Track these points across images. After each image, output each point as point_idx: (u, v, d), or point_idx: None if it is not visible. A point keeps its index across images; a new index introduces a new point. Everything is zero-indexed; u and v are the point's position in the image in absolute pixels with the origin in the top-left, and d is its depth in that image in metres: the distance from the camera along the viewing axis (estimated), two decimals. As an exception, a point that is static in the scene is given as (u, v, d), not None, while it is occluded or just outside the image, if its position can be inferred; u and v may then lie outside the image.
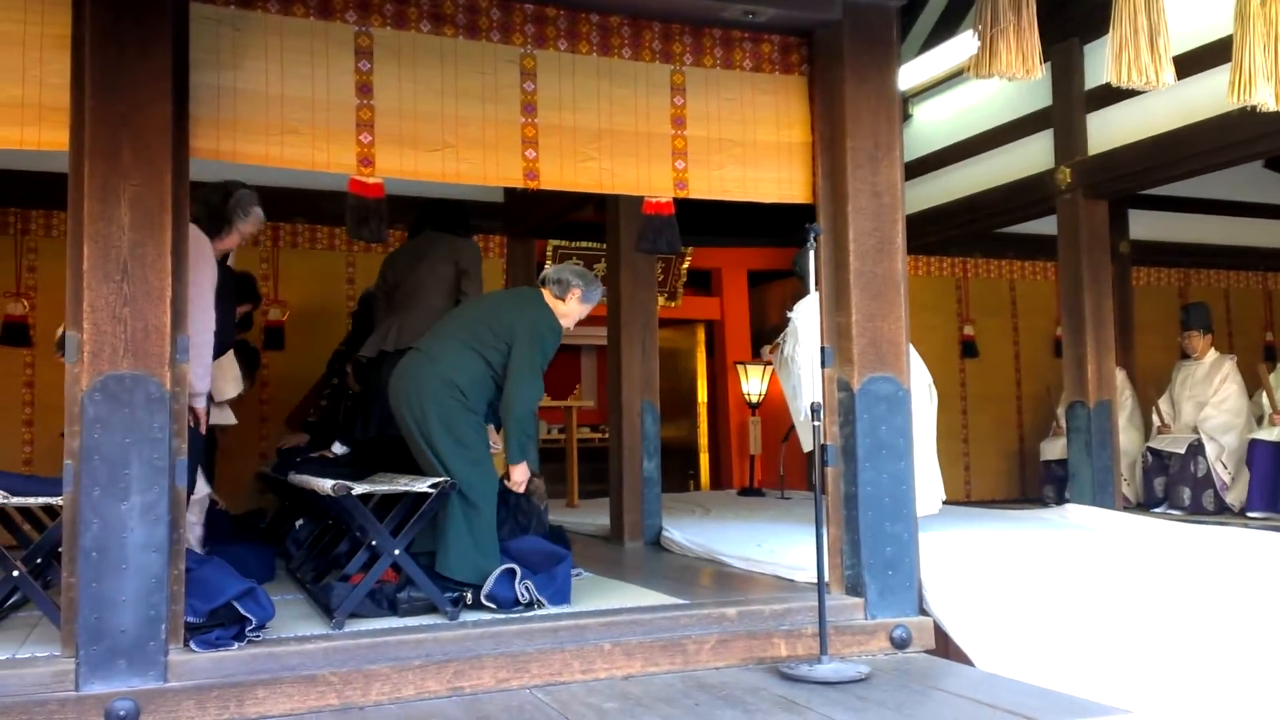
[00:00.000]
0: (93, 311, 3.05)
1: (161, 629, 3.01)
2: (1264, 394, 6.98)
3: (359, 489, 3.66)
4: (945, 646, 3.80)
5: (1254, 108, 4.09)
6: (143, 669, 2.97)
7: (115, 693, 2.92)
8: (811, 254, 3.71)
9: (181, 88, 3.29)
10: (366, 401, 4.92)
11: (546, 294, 4.28)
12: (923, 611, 3.89)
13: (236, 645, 3.11)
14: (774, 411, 9.87)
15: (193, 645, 3.08)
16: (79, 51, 3.17)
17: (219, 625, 3.13)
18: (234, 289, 4.36)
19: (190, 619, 3.13)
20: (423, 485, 3.69)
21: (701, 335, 10.72)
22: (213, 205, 4.01)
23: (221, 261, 4.08)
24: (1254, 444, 6.69)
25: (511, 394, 4.06)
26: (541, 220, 7.42)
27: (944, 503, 5.57)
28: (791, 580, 4.34)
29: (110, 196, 3.10)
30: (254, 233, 4.27)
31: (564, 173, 3.90)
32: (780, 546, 4.90)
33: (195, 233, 3.69)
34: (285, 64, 3.52)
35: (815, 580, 3.54)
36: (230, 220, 4.05)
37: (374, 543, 3.76)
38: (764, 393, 9.76)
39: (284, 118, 3.49)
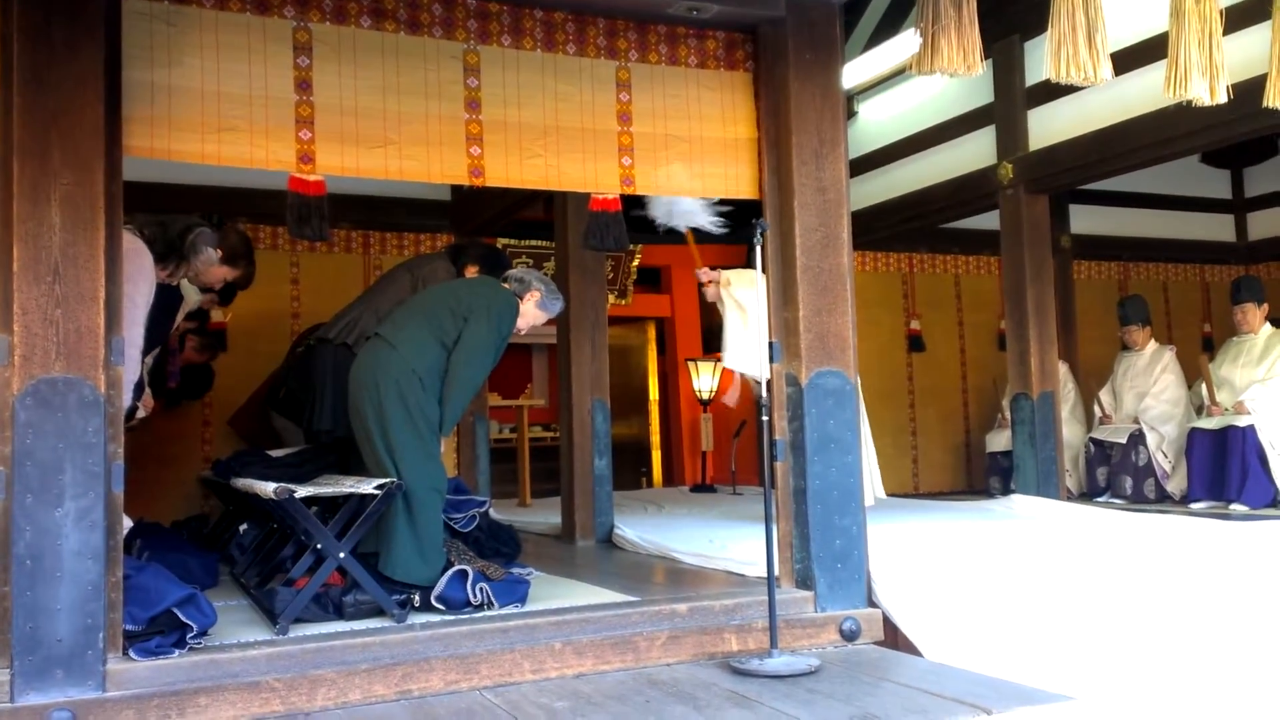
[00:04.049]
0: (23, 314, 2.97)
1: (99, 637, 2.94)
2: (1203, 384, 7.12)
3: (302, 492, 3.61)
4: (894, 638, 3.83)
5: (1190, 102, 4.18)
6: (80, 679, 2.90)
7: (52, 703, 2.84)
8: (759, 249, 3.71)
9: (114, 85, 3.22)
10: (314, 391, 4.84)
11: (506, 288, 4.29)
12: (872, 603, 3.91)
13: (177, 653, 3.05)
14: (725, 408, 9.89)
15: (132, 654, 3.02)
16: (6, 49, 3.08)
17: (159, 633, 3.07)
18: (171, 313, 4.35)
19: (129, 627, 3.06)
20: (368, 487, 3.64)
21: (652, 333, 10.73)
22: (170, 237, 3.97)
23: (167, 286, 4.05)
24: (1193, 433, 6.82)
25: (460, 367, 4.00)
26: (489, 219, 7.37)
27: (892, 495, 5.62)
28: (743, 575, 4.35)
29: (40, 196, 3.01)
30: (205, 274, 4.22)
31: (510, 170, 3.87)
32: (732, 542, 4.91)
33: (139, 247, 3.63)
34: (222, 60, 3.45)
35: (766, 575, 3.55)
36: (184, 256, 4.01)
37: (319, 546, 3.70)
38: (715, 389, 9.79)
39: (221, 115, 3.43)
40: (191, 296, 4.78)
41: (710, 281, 5.71)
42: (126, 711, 2.91)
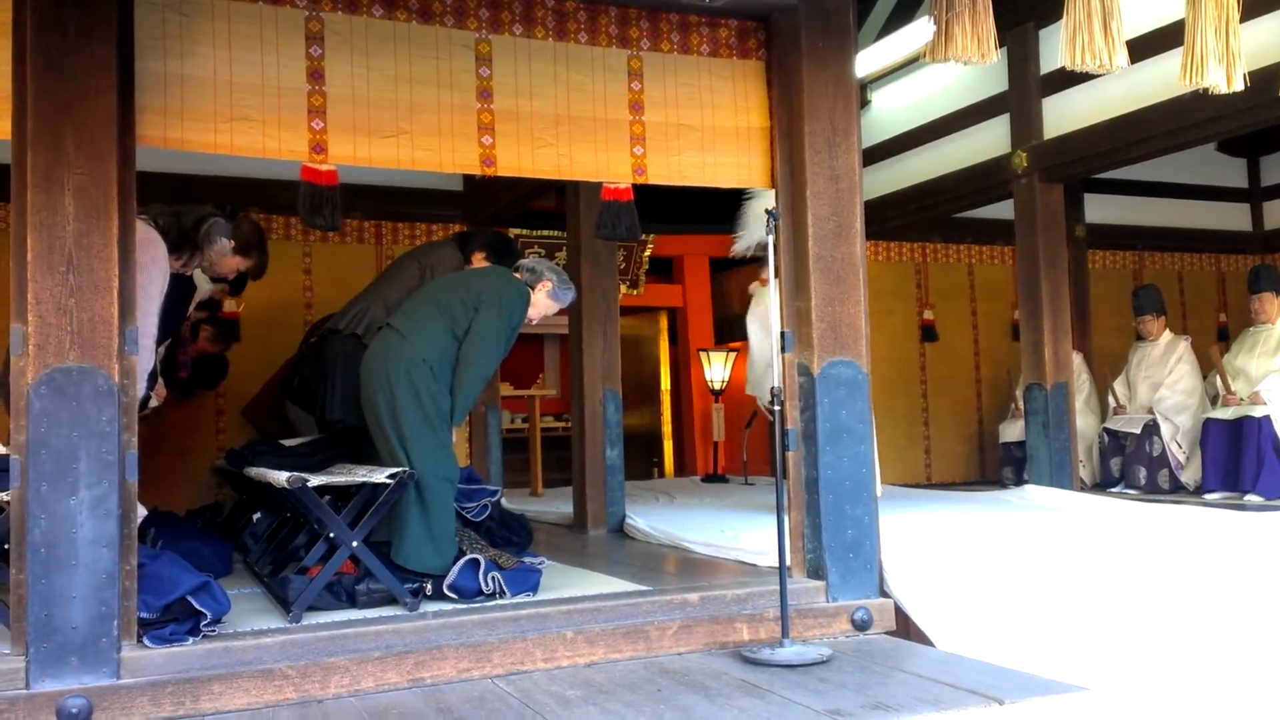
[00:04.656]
0: (38, 303, 2.98)
1: (113, 625, 2.96)
2: (1217, 374, 7.08)
3: (315, 481, 3.62)
4: (906, 627, 3.83)
5: (1206, 90, 4.13)
6: (95, 666, 2.92)
7: (67, 690, 2.86)
8: (771, 239, 3.70)
9: (127, 75, 3.23)
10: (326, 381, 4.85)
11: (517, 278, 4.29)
12: (883, 593, 3.91)
13: (191, 640, 3.06)
14: (737, 398, 9.89)
15: (146, 641, 3.03)
16: (20, 38, 3.09)
17: (173, 620, 3.08)
18: (185, 303, 4.37)
19: (144, 614, 3.08)
20: (381, 476, 3.65)
21: (664, 323, 10.72)
22: (185, 227, 3.99)
23: (182, 276, 4.07)
24: (1208, 424, 6.79)
25: (470, 357, 4.00)
26: (501, 209, 7.38)
27: (904, 485, 5.61)
28: (754, 565, 4.35)
29: (54, 186, 3.02)
30: (219, 264, 4.24)
31: (521, 159, 3.86)
32: (743, 532, 4.91)
33: (153, 237, 3.64)
34: (234, 50, 3.46)
35: (777, 565, 3.55)
36: (198, 246, 4.03)
37: (332, 535, 3.71)
38: (726, 379, 9.79)
39: (233, 104, 3.43)
40: (202, 286, 4.81)
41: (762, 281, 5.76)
42: (141, 699, 2.93)
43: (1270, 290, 6.97)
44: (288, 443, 4.92)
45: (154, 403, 4.36)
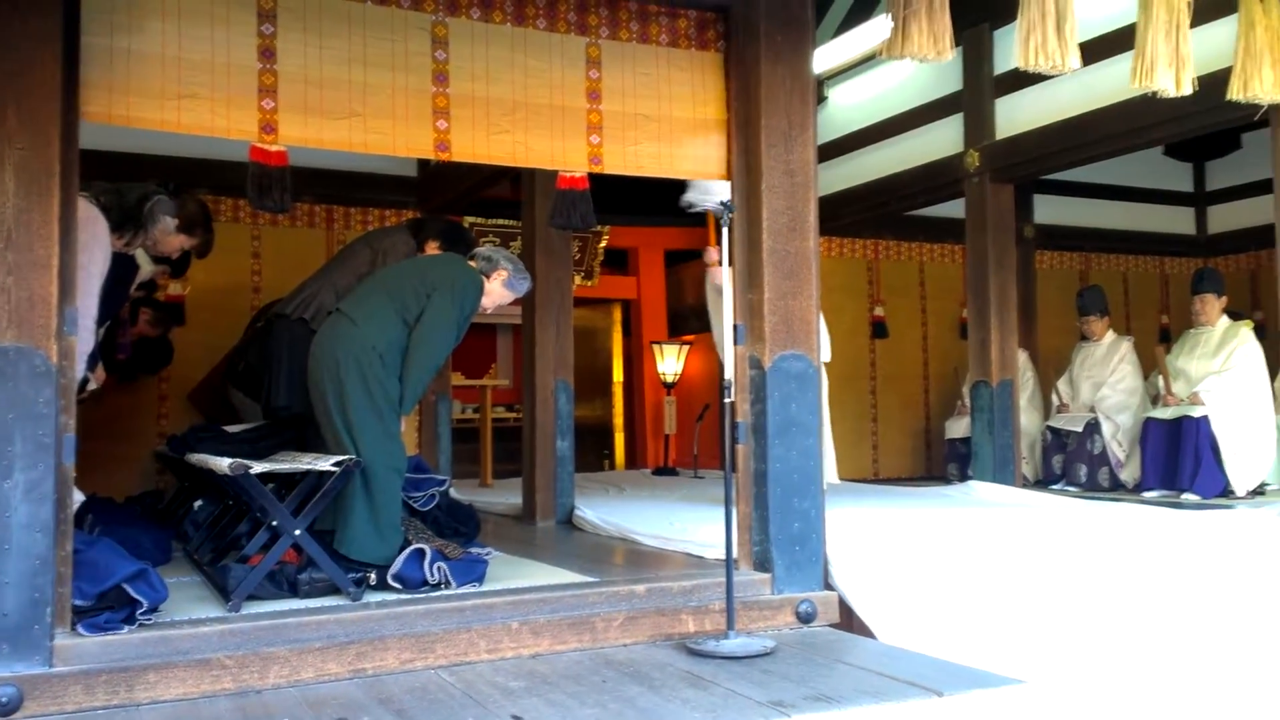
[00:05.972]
0: (-28, 281, 2.90)
1: (47, 612, 2.88)
2: (1159, 375, 7.22)
3: (258, 468, 3.56)
4: (849, 620, 3.86)
5: (1155, 93, 4.20)
6: (26, 654, 2.84)
7: (-3, 679, 2.79)
8: (725, 232, 3.70)
9: (72, 49, 3.14)
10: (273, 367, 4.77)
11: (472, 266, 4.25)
12: (828, 586, 3.93)
13: (127, 629, 3.00)
14: (689, 391, 9.92)
15: (80, 629, 2.96)
16: (-41, 6, 3.00)
17: (108, 608, 3.02)
18: (126, 283, 4.28)
19: (78, 602, 3.01)
20: (326, 464, 3.60)
21: (618, 315, 10.71)
22: (127, 205, 3.90)
23: (123, 256, 3.99)
24: (1148, 423, 6.91)
25: (421, 344, 3.95)
26: (456, 196, 7.31)
27: (851, 480, 5.65)
28: (702, 557, 4.35)
29: (-7, 160, 2.94)
30: (163, 242, 4.15)
31: (476, 145, 3.82)
32: (692, 524, 4.92)
33: (94, 215, 3.55)
34: (183, 25, 3.38)
35: (725, 557, 3.56)
36: (141, 224, 3.95)
37: (274, 523, 3.65)
38: (679, 373, 9.81)
39: (181, 81, 3.35)
40: (144, 267, 4.71)
41: (715, 263, 5.72)
42: (74, 687, 2.86)
43: (1212, 291, 7.10)
44: (231, 429, 4.85)
45: (93, 385, 4.26)
